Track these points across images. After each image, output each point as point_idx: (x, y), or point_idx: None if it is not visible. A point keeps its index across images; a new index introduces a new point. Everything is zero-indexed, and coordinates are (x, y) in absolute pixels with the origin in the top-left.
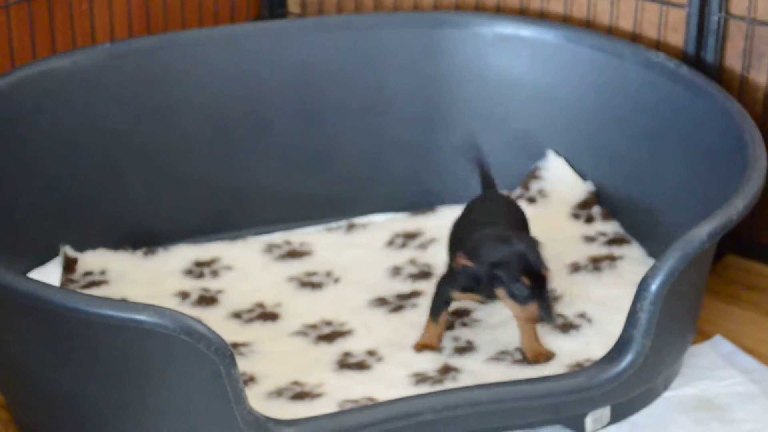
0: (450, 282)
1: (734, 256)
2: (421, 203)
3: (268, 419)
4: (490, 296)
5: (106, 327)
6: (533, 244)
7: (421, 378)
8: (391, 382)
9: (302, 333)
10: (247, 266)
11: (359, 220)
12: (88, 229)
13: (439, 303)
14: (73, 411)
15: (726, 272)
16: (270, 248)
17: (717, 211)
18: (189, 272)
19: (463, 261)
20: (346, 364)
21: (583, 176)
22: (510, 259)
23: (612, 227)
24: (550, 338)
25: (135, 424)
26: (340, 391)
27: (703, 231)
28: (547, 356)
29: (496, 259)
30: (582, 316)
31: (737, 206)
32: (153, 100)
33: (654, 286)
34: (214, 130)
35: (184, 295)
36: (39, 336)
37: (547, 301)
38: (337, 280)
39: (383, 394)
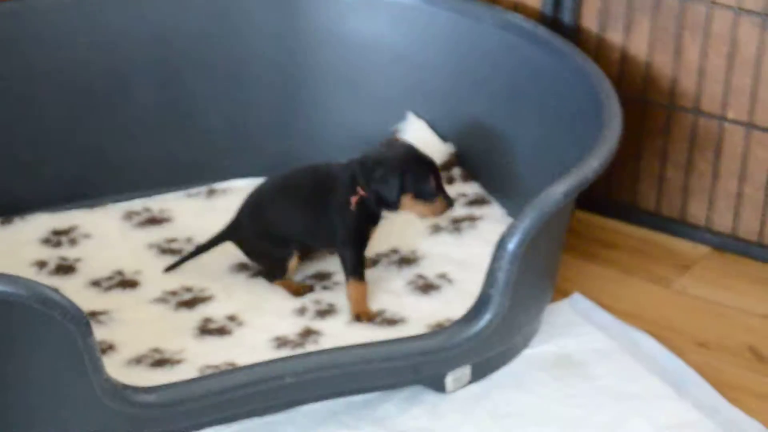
0: (357, 233)
1: (591, 214)
2: (281, 167)
3: (127, 387)
4: (391, 211)
5: None
6: (407, 145)
7: (282, 342)
8: (253, 346)
9: (162, 300)
10: (106, 234)
11: (220, 185)
12: None
13: (361, 258)
14: None
15: (583, 230)
16: (129, 215)
17: (572, 170)
18: (46, 241)
19: (361, 193)
20: (206, 329)
21: (443, 138)
22: (411, 164)
23: (472, 188)
24: (411, 299)
25: None
26: (201, 357)
27: (559, 190)
28: (373, 316)
29: (401, 168)
30: (442, 276)
31: (592, 165)
32: (7, 66)
33: (511, 246)
34: (71, 96)
35: (41, 265)
36: None
37: (445, 191)
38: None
39: (244, 358)
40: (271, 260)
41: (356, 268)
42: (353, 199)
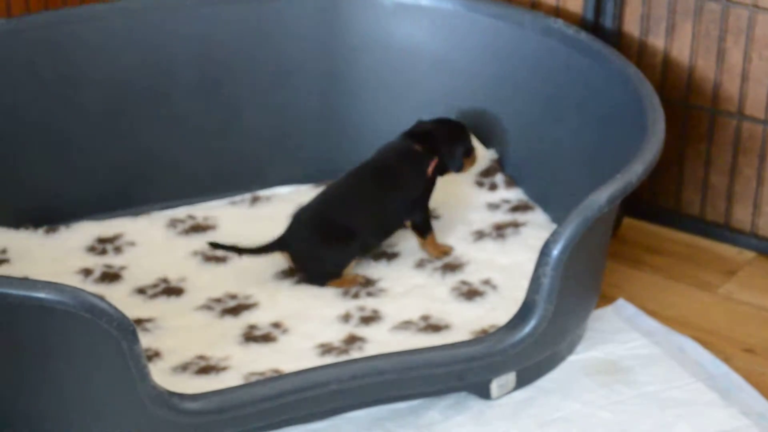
0: (429, 195)
1: (636, 220)
2: (325, 174)
3: (173, 394)
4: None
5: (7, 306)
6: (447, 119)
7: (326, 349)
8: (297, 353)
9: (207, 307)
10: (150, 241)
11: (263, 192)
12: None
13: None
14: None
15: (628, 236)
16: (173, 223)
17: (616, 176)
18: (92, 249)
19: (435, 160)
20: (251, 336)
21: (486, 144)
22: (462, 134)
23: (515, 194)
24: (455, 305)
25: (38, 402)
26: (246, 364)
27: (603, 196)
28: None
29: (459, 138)
30: (487, 282)
31: (636, 171)
32: (52, 75)
33: (555, 252)
34: (114, 105)
35: (87, 272)
36: None
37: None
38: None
39: (289, 365)
40: (328, 263)
41: (430, 225)
42: (430, 167)
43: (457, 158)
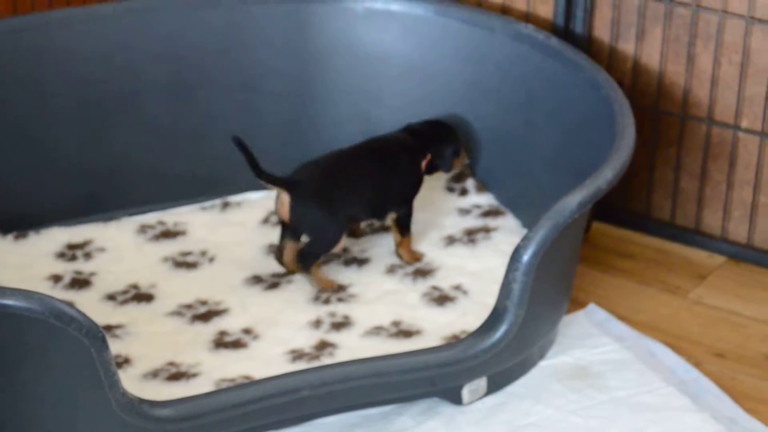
0: (417, 191)
1: (606, 225)
2: None
3: (143, 401)
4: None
5: None
6: (439, 121)
7: (297, 354)
8: (268, 359)
9: (177, 313)
10: (120, 247)
11: (234, 198)
12: None
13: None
14: None
15: (599, 241)
16: (144, 229)
17: (586, 181)
18: (61, 255)
19: (428, 158)
20: (222, 343)
21: None
22: (452, 136)
23: (486, 199)
24: (426, 310)
25: (7, 409)
26: (217, 370)
27: (573, 201)
28: (419, 258)
29: (449, 141)
30: (457, 288)
31: (606, 176)
32: (20, 81)
33: (526, 257)
34: (84, 111)
35: (56, 279)
36: None
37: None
38: (212, 260)
39: (260, 371)
40: (327, 229)
41: (410, 225)
42: (424, 162)
43: (447, 158)
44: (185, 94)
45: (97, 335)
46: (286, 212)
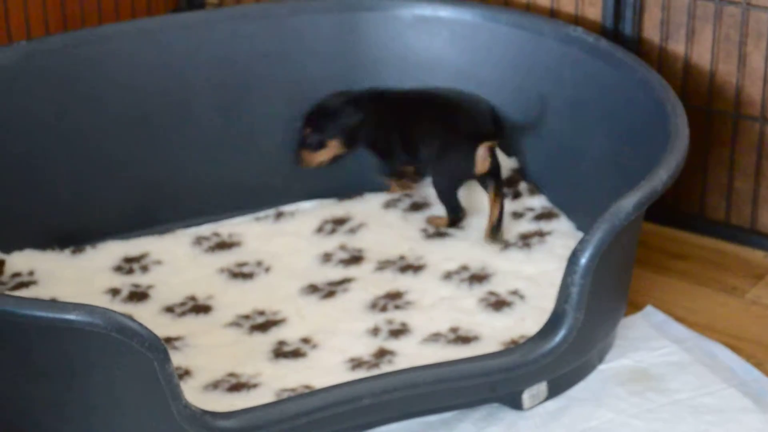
0: None
1: (660, 226)
2: (348, 189)
3: (205, 412)
4: None
5: (37, 328)
6: None
7: (357, 363)
8: (328, 368)
9: (236, 324)
10: (176, 260)
11: (287, 208)
12: (14, 230)
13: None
14: (7, 412)
15: (653, 242)
16: (199, 240)
17: (642, 183)
18: (118, 269)
19: None
20: (281, 352)
21: (508, 153)
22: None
23: (539, 202)
24: (484, 316)
25: (71, 423)
26: (277, 380)
27: (629, 202)
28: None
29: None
30: (514, 292)
31: (661, 177)
32: (73, 97)
33: (583, 260)
34: (137, 124)
35: (114, 292)
36: None
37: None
38: (267, 270)
39: (320, 381)
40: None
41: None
42: None
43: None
44: (237, 105)
45: (159, 348)
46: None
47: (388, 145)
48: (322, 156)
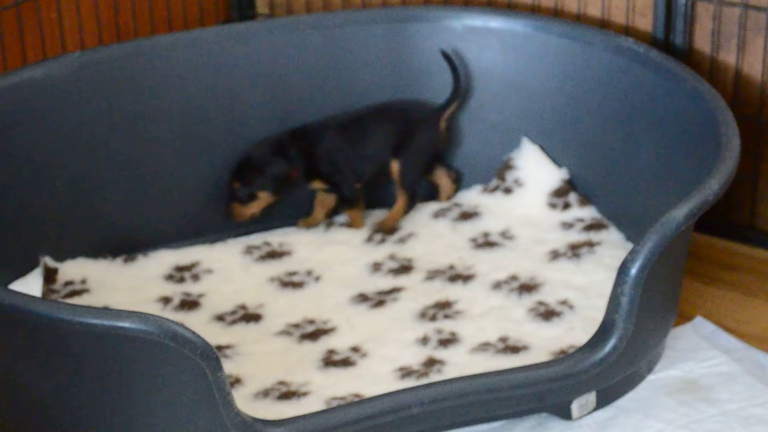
0: None
1: (710, 237)
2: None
3: (256, 420)
4: None
5: (91, 335)
6: None
7: (406, 372)
8: (377, 377)
9: (286, 332)
10: (227, 269)
11: (337, 218)
12: (67, 239)
13: None
14: (61, 419)
15: (702, 253)
16: (249, 250)
17: (693, 193)
18: (170, 277)
19: None
20: (330, 361)
21: (558, 163)
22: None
23: (589, 212)
24: (533, 326)
25: (123, 430)
26: (327, 388)
27: (680, 213)
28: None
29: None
30: (564, 303)
31: (712, 187)
32: (126, 106)
33: (634, 270)
34: (188, 134)
35: (166, 301)
36: (24, 347)
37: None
38: (317, 279)
39: (369, 389)
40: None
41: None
42: None
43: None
44: (286, 114)
45: (212, 356)
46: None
47: (337, 169)
48: (253, 208)
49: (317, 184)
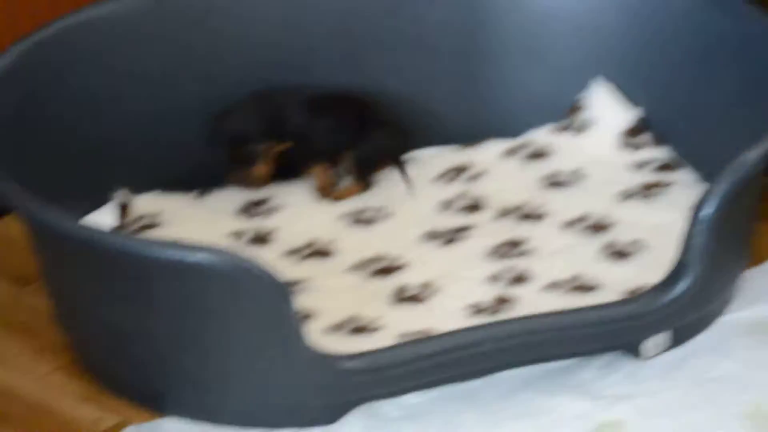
0: None
1: None
2: (466, 136)
3: (328, 354)
4: None
5: (164, 269)
6: None
7: (477, 309)
8: (448, 314)
9: (357, 268)
10: (299, 205)
11: (408, 154)
12: (140, 173)
13: None
14: (135, 351)
15: None
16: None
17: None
18: (242, 212)
19: None
20: (402, 297)
21: (632, 103)
22: None
23: (662, 153)
24: (604, 265)
25: (195, 363)
26: (398, 324)
27: (756, 154)
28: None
29: None
30: (635, 242)
31: None
32: (197, 43)
33: (708, 211)
34: (258, 72)
35: (238, 235)
36: (99, 280)
37: None
38: (389, 216)
39: (441, 326)
40: None
41: None
42: None
43: None
44: (355, 53)
45: (284, 289)
46: None
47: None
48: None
49: None
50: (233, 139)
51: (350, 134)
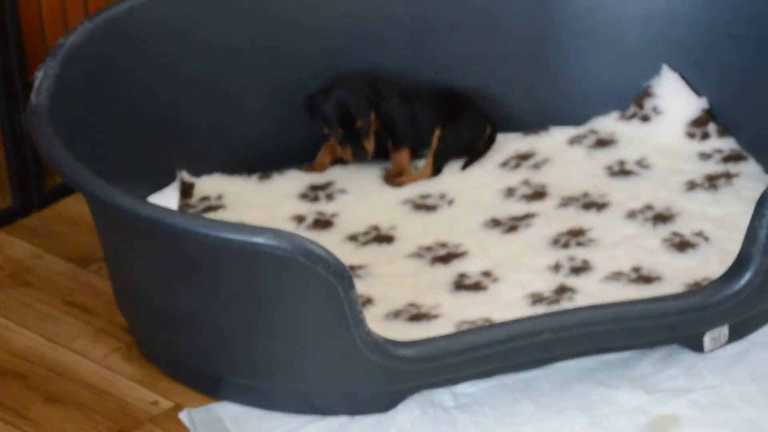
0: None
1: None
2: (533, 123)
3: (387, 341)
4: None
5: (226, 250)
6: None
7: (537, 298)
8: (508, 302)
9: (417, 255)
10: (361, 190)
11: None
12: (204, 155)
13: None
14: (194, 333)
15: None
16: (383, 172)
17: None
18: (304, 196)
19: None
20: (462, 285)
21: (698, 92)
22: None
23: (728, 144)
24: (667, 256)
25: (255, 345)
26: (457, 312)
27: None
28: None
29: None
30: (699, 234)
31: None
32: (265, 23)
33: None
34: (327, 52)
35: (299, 219)
36: (159, 260)
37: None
38: (451, 202)
39: (500, 314)
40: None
41: None
42: None
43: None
44: (423, 35)
45: (344, 274)
46: None
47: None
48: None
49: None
50: (343, 116)
51: (437, 123)
